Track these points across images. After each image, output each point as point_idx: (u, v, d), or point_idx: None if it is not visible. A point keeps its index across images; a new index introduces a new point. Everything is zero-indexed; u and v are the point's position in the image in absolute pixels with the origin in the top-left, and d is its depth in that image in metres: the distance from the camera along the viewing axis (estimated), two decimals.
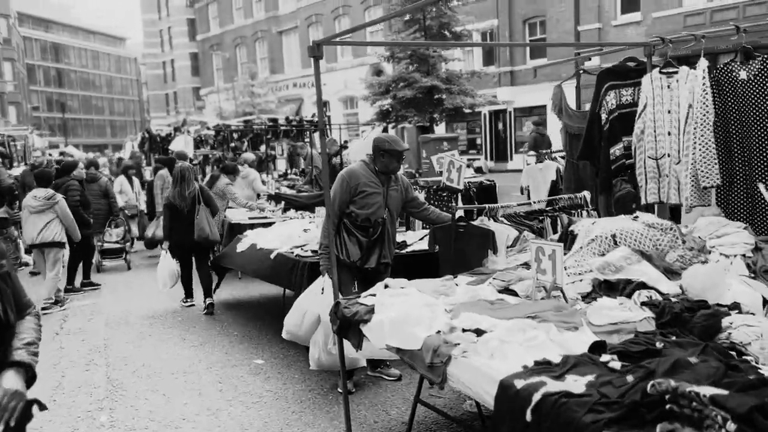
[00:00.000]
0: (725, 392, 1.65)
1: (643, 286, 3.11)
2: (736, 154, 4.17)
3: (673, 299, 2.99)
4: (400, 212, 4.86)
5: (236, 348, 5.73)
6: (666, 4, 21.52)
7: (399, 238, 5.32)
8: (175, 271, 7.13)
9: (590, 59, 6.35)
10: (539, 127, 14.73)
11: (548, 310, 2.88)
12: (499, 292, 3.42)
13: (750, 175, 4.08)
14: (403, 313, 3.08)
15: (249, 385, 4.80)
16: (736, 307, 2.99)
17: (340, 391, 4.24)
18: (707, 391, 1.65)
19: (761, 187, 3.87)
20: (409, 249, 5.32)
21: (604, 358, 2.32)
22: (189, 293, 7.42)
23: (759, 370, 2.08)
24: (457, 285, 3.62)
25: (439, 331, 2.86)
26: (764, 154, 3.97)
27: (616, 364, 2.24)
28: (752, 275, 3.48)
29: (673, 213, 5.12)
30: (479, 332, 2.74)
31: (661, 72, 4.55)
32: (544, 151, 8.69)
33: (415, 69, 21.28)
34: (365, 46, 32.35)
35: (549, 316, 2.81)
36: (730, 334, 2.55)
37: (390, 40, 22.27)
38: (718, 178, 4.24)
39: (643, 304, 2.85)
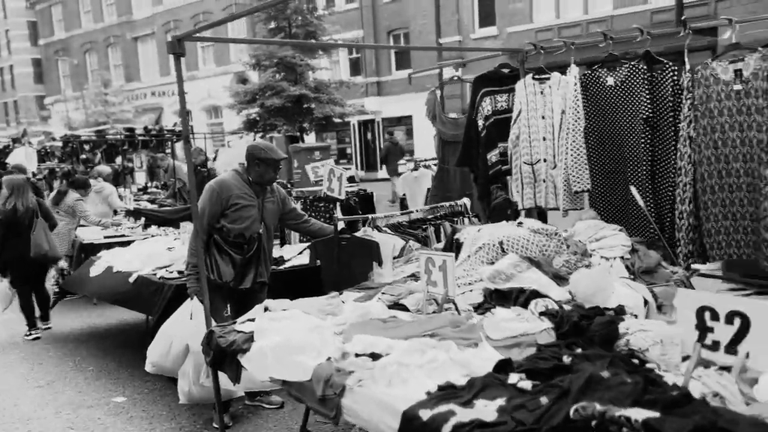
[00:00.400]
0: (657, 414, 1.52)
1: (535, 294, 3.03)
2: (608, 158, 4.28)
3: (566, 306, 2.93)
4: (276, 225, 4.51)
5: (92, 385, 5.05)
6: (519, 20, 22.85)
7: (275, 253, 4.96)
8: (6, 291, 6.34)
9: (465, 65, 6.37)
10: (392, 136, 15.47)
11: (445, 326, 2.69)
12: (389, 307, 3.20)
13: (622, 179, 4.20)
14: (288, 339, 2.76)
15: (108, 429, 4.21)
16: (621, 309, 2.99)
17: (216, 426, 3.82)
18: (638, 414, 1.51)
19: (633, 190, 3.98)
20: (287, 264, 4.97)
21: (512, 377, 2.15)
22: (32, 323, 6.53)
23: (660, 379, 2.00)
24: (343, 302, 3.36)
25: (329, 358, 2.58)
26: (635, 158, 4.10)
27: (526, 384, 2.08)
28: (631, 276, 3.55)
29: (541, 217, 5.21)
30: (375, 356, 2.49)
31: (534, 78, 4.60)
32: (410, 158, 8.70)
33: (282, 78, 20.81)
34: (228, 55, 31.35)
35: (447, 332, 2.62)
36: (628, 340, 2.49)
37: (255, 49, 21.59)
38: (588, 183, 4.35)
39: (541, 314, 2.75)
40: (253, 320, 3.11)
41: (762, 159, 3.42)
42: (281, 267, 4.89)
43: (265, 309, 3.27)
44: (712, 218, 3.81)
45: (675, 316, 3.59)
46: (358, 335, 2.66)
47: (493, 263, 3.41)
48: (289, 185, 9.86)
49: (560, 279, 3.30)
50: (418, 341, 2.52)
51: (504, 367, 2.26)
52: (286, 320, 3.02)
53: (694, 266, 3.90)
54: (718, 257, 3.92)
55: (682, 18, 3.91)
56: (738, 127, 3.60)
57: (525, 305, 2.95)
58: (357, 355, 2.53)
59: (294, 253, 5.19)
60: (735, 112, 3.58)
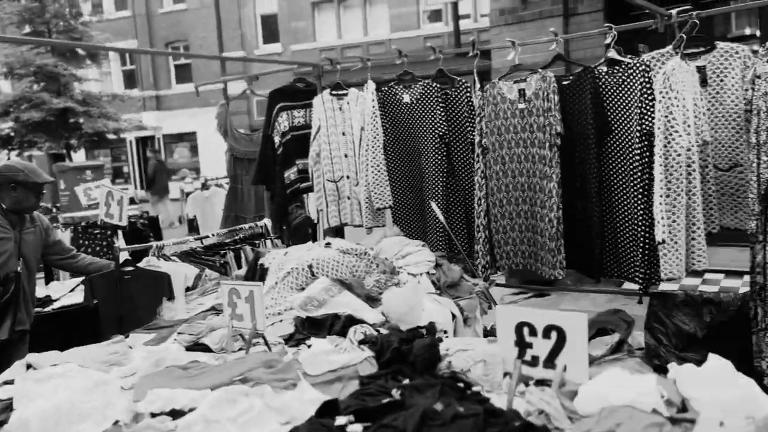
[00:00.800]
0: None
1: (351, 319, 2.86)
2: (408, 174, 4.32)
3: (383, 330, 2.80)
4: (39, 260, 3.79)
5: None
6: (302, 38, 23.17)
7: (39, 292, 4.18)
8: None
9: (257, 78, 6.07)
10: (157, 154, 14.87)
11: (257, 368, 2.38)
12: (188, 349, 2.80)
13: (421, 194, 4.26)
14: (60, 403, 2.23)
15: None
16: (432, 326, 2.96)
17: None
18: None
19: (433, 205, 4.04)
20: (56, 305, 4.19)
21: (340, 420, 1.93)
22: None
23: (497, 408, 1.94)
24: (131, 348, 2.87)
25: (117, 422, 2.12)
26: (432, 174, 4.17)
27: (357, 428, 1.87)
28: (438, 291, 3.57)
29: (338, 233, 5.14)
30: (176, 414, 2.09)
31: (331, 94, 4.50)
32: (196, 176, 8.17)
33: (42, 88, 18.42)
34: None
35: (260, 375, 2.32)
36: (450, 362, 2.42)
37: (5, 55, 18.82)
38: (389, 199, 4.35)
39: (360, 342, 2.57)
40: (11, 382, 2.49)
41: (545, 173, 3.65)
42: (48, 309, 4.12)
43: (28, 366, 2.65)
44: (501, 230, 4.01)
45: (479, 328, 3.71)
46: (153, 389, 2.24)
47: (303, 289, 3.18)
48: (54, 209, 8.64)
49: (373, 300, 3.19)
50: (227, 390, 2.18)
51: (329, 409, 2.03)
52: (56, 378, 2.45)
53: (492, 277, 4.07)
54: (507, 267, 4.14)
55: (471, 39, 4.07)
56: (522, 144, 3.82)
57: (341, 333, 2.76)
58: (153, 415, 2.11)
59: (64, 291, 4.41)
60: (519, 130, 3.80)
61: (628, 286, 4.12)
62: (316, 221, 5.20)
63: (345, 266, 3.38)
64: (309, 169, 4.61)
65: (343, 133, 4.42)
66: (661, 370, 3.11)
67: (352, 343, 2.57)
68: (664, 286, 3.56)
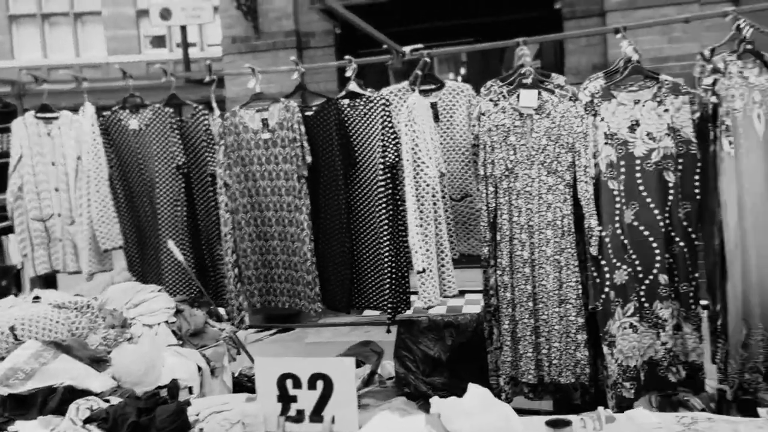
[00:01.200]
0: None
1: (72, 391, 2.33)
2: (140, 210, 3.84)
3: (115, 399, 2.34)
4: None
5: None
6: None
7: None
8: None
9: None
10: None
11: None
12: None
13: (156, 232, 3.80)
14: None
15: None
16: (174, 385, 2.62)
17: None
18: None
19: (170, 244, 3.62)
20: None
21: None
22: None
23: None
24: None
25: None
26: (170, 209, 3.75)
27: None
28: (180, 342, 3.19)
29: (49, 282, 4.38)
30: None
31: (36, 117, 3.82)
32: None
33: None
34: None
35: None
36: (201, 429, 2.08)
37: None
38: (119, 239, 3.82)
39: (86, 420, 2.08)
40: None
41: (295, 205, 3.52)
42: None
43: None
44: (252, 265, 3.77)
45: (227, 377, 3.39)
46: None
47: (3, 358, 2.54)
48: None
49: (100, 362, 2.67)
50: None
51: None
52: None
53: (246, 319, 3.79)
54: (259, 304, 3.91)
55: (207, 64, 3.77)
56: (268, 176, 3.64)
57: (58, 411, 2.23)
58: None
59: None
60: (264, 161, 3.62)
61: (369, 313, 4.16)
62: (19, 268, 4.36)
63: (61, 324, 2.79)
64: (8, 206, 3.85)
65: (53, 163, 3.78)
66: (412, 397, 3.14)
67: (75, 424, 2.07)
68: (408, 313, 3.65)
